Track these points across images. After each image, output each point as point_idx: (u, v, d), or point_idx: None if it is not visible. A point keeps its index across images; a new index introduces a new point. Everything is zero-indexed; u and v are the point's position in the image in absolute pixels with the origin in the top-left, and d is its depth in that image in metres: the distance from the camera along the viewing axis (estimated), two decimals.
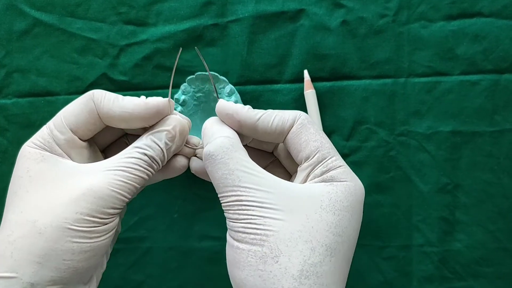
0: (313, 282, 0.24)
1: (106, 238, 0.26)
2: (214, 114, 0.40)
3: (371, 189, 0.40)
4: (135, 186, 0.27)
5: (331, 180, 0.27)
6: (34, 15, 0.42)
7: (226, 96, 0.39)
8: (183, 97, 0.40)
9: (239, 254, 0.25)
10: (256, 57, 0.41)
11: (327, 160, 0.27)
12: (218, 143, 0.27)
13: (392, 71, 0.40)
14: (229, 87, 0.39)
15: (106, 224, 0.26)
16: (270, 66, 0.41)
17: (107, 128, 0.30)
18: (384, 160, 0.40)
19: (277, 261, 0.24)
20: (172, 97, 0.40)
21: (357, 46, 0.40)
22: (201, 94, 0.40)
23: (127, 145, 0.31)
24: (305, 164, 0.28)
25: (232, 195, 0.26)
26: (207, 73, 0.39)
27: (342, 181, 0.27)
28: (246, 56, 0.41)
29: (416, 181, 0.40)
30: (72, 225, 0.25)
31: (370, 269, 0.40)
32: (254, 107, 0.41)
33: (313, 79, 0.40)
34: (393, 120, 0.40)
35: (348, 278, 0.40)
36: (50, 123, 0.28)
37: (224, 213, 0.27)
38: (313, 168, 0.27)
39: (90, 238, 0.25)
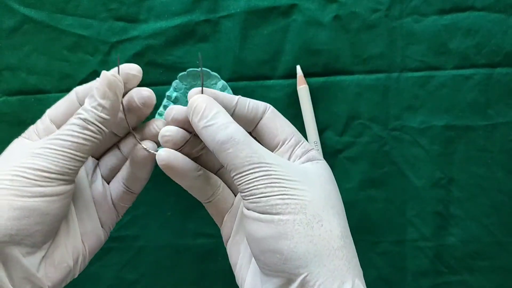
0: (349, 241, 0.27)
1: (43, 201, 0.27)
2: None
3: (365, 184, 0.40)
4: (76, 154, 0.28)
5: (313, 159, 0.30)
6: (23, 12, 0.42)
7: None
8: (175, 94, 0.39)
9: (284, 225, 0.26)
10: (249, 53, 0.40)
11: (303, 143, 0.30)
12: (235, 127, 0.28)
13: (385, 66, 0.40)
14: (221, 83, 0.39)
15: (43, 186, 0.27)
16: (262, 62, 0.40)
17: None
18: (378, 155, 0.40)
19: (322, 225, 0.26)
20: (164, 95, 0.40)
21: (350, 41, 0.40)
22: None
23: (120, 152, 0.33)
24: (285, 147, 0.30)
25: (260, 171, 0.27)
26: (199, 70, 0.39)
27: (320, 160, 0.30)
28: (239, 52, 0.40)
29: (410, 176, 0.40)
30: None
31: (364, 265, 0.40)
32: None
33: (306, 75, 0.40)
34: (387, 115, 0.40)
35: None
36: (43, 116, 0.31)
37: (248, 191, 0.27)
38: (293, 150, 0.30)
39: (23, 196, 0.27)
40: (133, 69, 0.32)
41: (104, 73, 0.29)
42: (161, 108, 0.39)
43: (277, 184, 0.26)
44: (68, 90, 0.41)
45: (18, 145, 0.30)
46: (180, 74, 0.39)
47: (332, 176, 0.30)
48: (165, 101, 0.39)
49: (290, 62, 0.40)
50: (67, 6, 0.41)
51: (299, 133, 0.31)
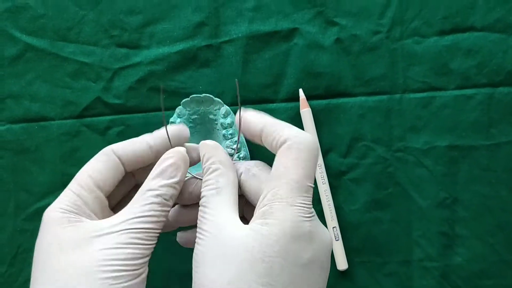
0: None
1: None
2: (209, 136, 0.40)
3: (370, 206, 0.40)
4: (157, 233, 0.28)
5: (263, 217, 0.25)
6: (25, 40, 0.42)
7: (222, 117, 0.39)
8: (178, 120, 0.39)
9: None
10: (251, 77, 0.41)
11: (263, 199, 0.26)
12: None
13: (387, 87, 0.40)
14: (224, 108, 0.39)
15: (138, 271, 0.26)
16: (265, 86, 0.41)
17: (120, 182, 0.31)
18: (382, 176, 0.40)
19: None
20: (168, 122, 0.40)
21: (351, 63, 0.40)
22: (196, 116, 0.40)
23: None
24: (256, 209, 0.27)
25: (195, 246, 0.27)
26: (201, 96, 0.39)
27: (275, 219, 0.25)
28: (241, 76, 0.41)
29: (415, 197, 0.40)
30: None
31: (371, 286, 0.40)
32: None
33: (309, 98, 0.40)
34: (390, 136, 0.40)
35: None
36: (74, 185, 0.29)
37: None
38: (257, 211, 0.27)
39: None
40: (183, 132, 0.33)
41: (178, 150, 0.30)
42: None
43: (194, 263, 0.26)
44: (71, 117, 0.42)
45: (80, 230, 0.27)
46: (184, 100, 0.39)
47: (274, 248, 0.24)
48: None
49: (293, 85, 0.40)
50: (69, 33, 0.42)
51: (270, 182, 0.26)
